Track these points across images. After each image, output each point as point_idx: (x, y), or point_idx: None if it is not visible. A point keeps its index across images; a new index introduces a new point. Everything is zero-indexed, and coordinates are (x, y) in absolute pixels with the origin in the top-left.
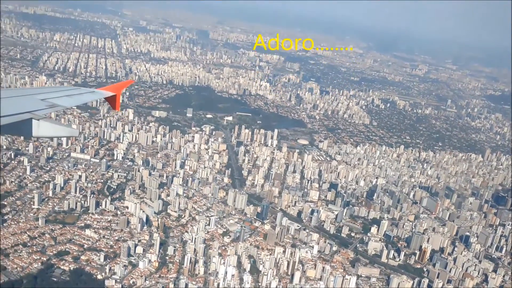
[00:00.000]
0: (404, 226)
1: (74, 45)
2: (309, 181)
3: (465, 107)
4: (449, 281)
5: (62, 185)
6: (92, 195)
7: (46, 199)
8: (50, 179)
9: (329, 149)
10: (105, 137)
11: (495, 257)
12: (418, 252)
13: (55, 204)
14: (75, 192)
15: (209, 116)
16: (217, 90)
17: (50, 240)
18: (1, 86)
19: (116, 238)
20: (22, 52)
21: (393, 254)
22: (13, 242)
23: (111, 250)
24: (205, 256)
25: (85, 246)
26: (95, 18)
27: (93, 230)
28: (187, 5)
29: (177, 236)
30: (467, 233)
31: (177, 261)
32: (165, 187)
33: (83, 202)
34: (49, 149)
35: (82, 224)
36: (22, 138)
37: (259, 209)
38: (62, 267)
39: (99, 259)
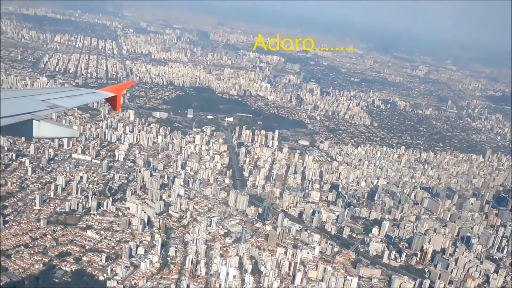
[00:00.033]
0: (405, 227)
1: (75, 46)
2: (310, 182)
3: (465, 107)
4: (450, 282)
5: (63, 186)
6: (93, 196)
7: (48, 200)
8: (52, 180)
9: (330, 150)
10: (106, 138)
11: (497, 258)
12: (419, 253)
13: (56, 205)
14: (77, 193)
15: (210, 117)
16: (217, 91)
17: (52, 241)
18: (2, 87)
19: (118, 239)
20: (23, 53)
21: (395, 255)
22: (15, 243)
23: (113, 251)
24: (207, 257)
25: (87, 247)
26: (95, 19)
27: (95, 231)
28: (187, 6)
29: (178, 237)
30: (469, 234)
31: (179, 262)
32: (166, 188)
33: (84, 203)
34: (50, 150)
35: (84, 225)
36: (23, 139)
37: (260, 210)
38: (63, 268)
39: (101, 260)
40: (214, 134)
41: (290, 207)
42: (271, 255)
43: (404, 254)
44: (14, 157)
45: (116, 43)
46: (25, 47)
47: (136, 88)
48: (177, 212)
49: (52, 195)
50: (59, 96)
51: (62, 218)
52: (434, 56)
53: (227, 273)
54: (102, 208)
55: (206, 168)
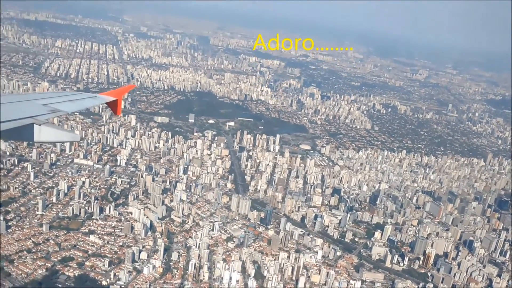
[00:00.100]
0: (408, 231)
1: (76, 51)
2: (312, 186)
3: (466, 111)
4: (453, 286)
5: (65, 191)
6: (96, 201)
7: (50, 205)
8: (54, 185)
9: (331, 154)
10: (108, 143)
11: (499, 261)
12: (422, 257)
13: (59, 210)
14: (79, 198)
15: (211, 121)
16: (218, 95)
17: (55, 246)
18: (4, 92)
19: (120, 244)
20: (24, 58)
21: (397, 259)
22: (18, 248)
23: (116, 256)
24: (210, 262)
25: (90, 252)
26: (96, 24)
27: (97, 236)
28: (187, 11)
29: (181, 242)
30: (471, 238)
31: (182, 266)
32: (168, 193)
33: (87, 208)
34: (52, 155)
35: (86, 230)
36: (25, 144)
37: (262, 215)
38: (66, 273)
39: (104, 265)
40: (216, 139)
41: (292, 211)
42: (274, 260)
43: (406, 258)
44: (16, 162)
45: (116, 48)
46: (26, 52)
47: (137, 92)
48: (179, 217)
49: (54, 200)
50: (60, 101)
51: (65, 223)
52: (434, 60)
53: (230, 278)
54: (104, 213)
55: (208, 172)
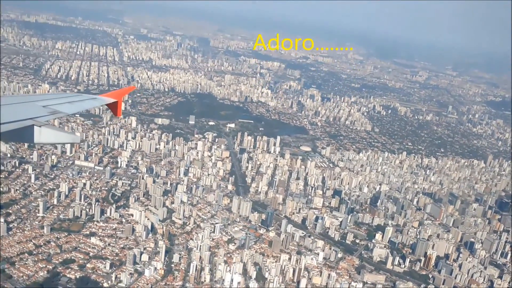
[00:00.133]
0: (409, 232)
1: (76, 53)
2: (313, 188)
3: (466, 113)
4: None
5: (66, 193)
6: (97, 203)
7: (51, 207)
8: (55, 187)
9: (332, 155)
10: (108, 145)
11: (500, 263)
12: (423, 259)
13: (60, 212)
14: (80, 200)
15: (211, 123)
16: (219, 97)
17: (56, 248)
18: (4, 94)
19: (122, 246)
20: (25, 60)
21: (398, 261)
22: (19, 250)
23: (117, 258)
24: (211, 264)
25: (91, 254)
26: (96, 26)
27: (99, 238)
28: (186, 13)
29: (182, 244)
30: (472, 239)
31: (183, 268)
32: (169, 195)
33: (88, 210)
34: (53, 157)
35: (88, 232)
36: (26, 146)
37: (263, 216)
38: (68, 275)
39: (105, 267)
40: (216, 140)
41: (293, 213)
42: (275, 262)
43: (408, 260)
44: (17, 164)
45: (117, 50)
46: (27, 54)
47: (138, 94)
48: (180, 219)
49: (55, 202)
50: (60, 102)
51: (66, 225)
52: (434, 61)
53: (232, 280)
54: (105, 215)
55: (208, 174)
